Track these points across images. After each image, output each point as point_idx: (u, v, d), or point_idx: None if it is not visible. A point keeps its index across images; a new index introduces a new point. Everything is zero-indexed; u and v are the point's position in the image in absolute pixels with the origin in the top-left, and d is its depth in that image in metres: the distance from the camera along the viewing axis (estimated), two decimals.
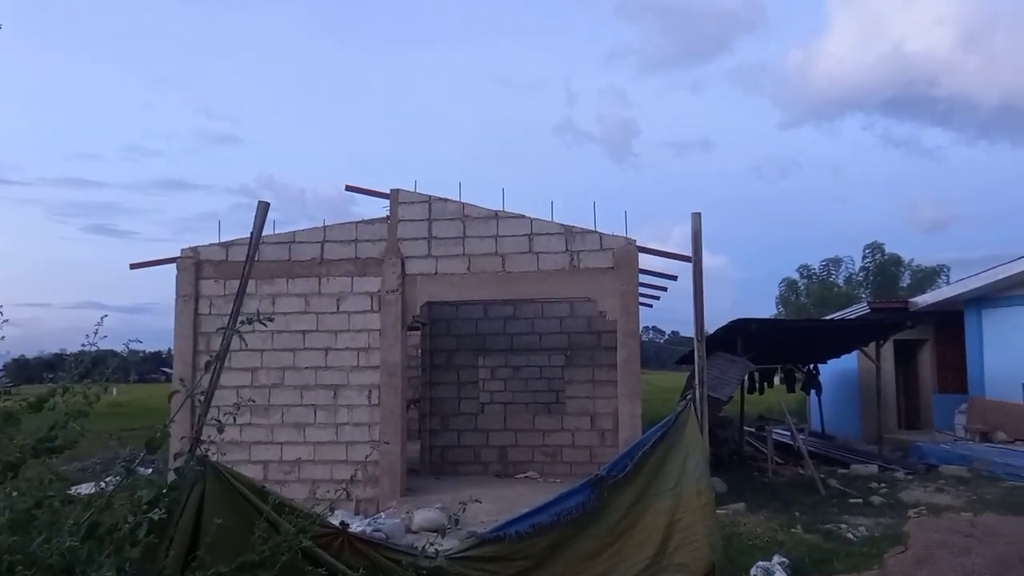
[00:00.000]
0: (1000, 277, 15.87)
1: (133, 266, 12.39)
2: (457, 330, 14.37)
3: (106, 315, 3.53)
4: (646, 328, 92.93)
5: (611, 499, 5.05)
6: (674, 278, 12.44)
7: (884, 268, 41.89)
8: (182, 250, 11.93)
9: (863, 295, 37.41)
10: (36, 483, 3.11)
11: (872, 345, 16.18)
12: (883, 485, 12.50)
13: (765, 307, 45.15)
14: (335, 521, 4.90)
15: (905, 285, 39.99)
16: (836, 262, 44.00)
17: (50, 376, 3.42)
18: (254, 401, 5.17)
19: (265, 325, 3.57)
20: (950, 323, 17.77)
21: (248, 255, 4.29)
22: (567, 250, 11.21)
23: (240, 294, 4.12)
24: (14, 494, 3.04)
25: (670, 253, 11.88)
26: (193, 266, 11.78)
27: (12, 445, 3.02)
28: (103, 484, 3.34)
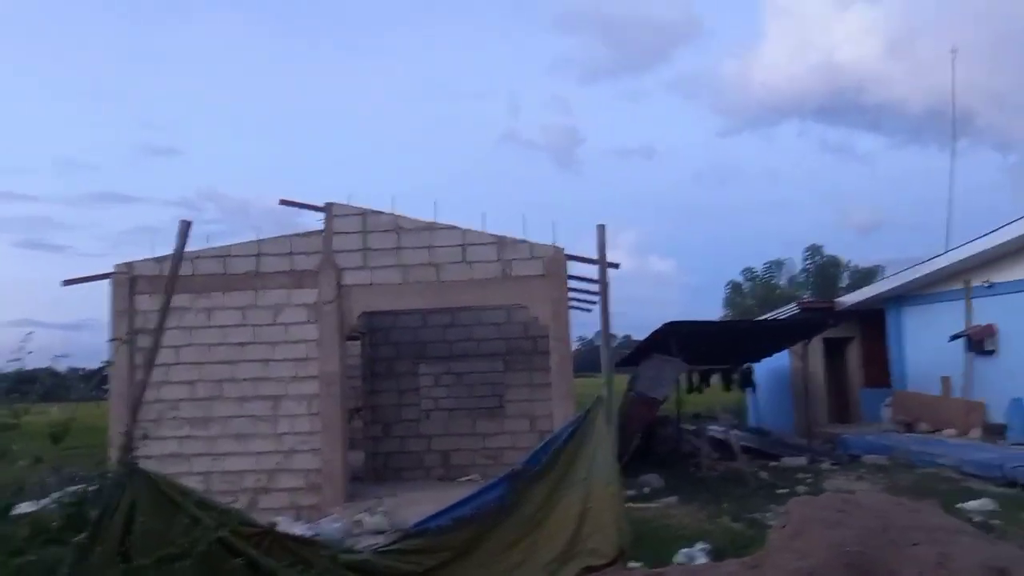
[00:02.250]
0: (916, 276, 16.83)
1: (66, 282, 12.30)
2: (396, 338, 14.57)
3: (31, 331, 3.72)
4: (597, 332, 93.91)
5: (527, 492, 5.40)
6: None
7: (824, 269, 43.12)
8: (116, 266, 11.90)
9: (805, 295, 38.57)
10: None
11: (801, 344, 16.92)
12: (809, 476, 13.11)
13: (712, 309, 46.07)
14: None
15: (844, 285, 41.27)
16: (779, 264, 44.99)
17: None
18: (178, 409, 5.38)
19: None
20: (874, 321, 18.65)
21: (171, 273, 4.53)
22: (499, 259, 11.55)
23: (163, 311, 4.35)
24: None
25: (593, 259, 12.28)
26: (127, 281, 11.76)
27: None
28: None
